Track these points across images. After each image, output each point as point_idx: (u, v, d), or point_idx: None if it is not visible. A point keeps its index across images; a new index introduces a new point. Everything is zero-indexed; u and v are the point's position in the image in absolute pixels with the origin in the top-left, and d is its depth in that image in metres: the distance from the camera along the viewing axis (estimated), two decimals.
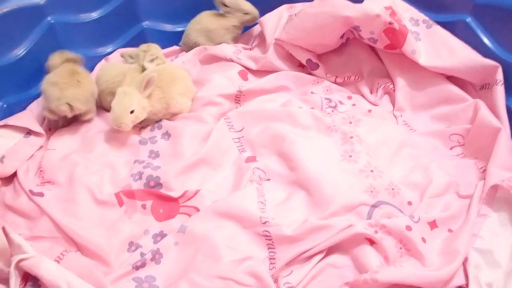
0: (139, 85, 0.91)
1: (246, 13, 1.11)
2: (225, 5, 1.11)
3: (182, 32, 1.17)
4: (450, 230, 0.79)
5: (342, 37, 1.05)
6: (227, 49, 1.09)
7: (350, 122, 0.94)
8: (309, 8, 1.03)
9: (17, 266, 0.69)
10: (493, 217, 0.79)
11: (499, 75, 0.93)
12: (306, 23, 1.01)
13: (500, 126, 0.87)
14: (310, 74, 1.07)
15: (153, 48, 1.02)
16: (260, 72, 1.08)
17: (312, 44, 1.04)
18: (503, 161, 0.84)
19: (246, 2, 1.11)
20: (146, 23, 1.17)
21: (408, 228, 0.76)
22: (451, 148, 0.93)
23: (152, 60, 1.00)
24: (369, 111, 1.00)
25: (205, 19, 1.13)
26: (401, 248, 0.75)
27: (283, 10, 1.13)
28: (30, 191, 0.83)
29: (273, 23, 1.11)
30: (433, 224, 0.78)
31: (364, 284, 0.69)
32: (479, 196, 0.80)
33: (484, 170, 0.86)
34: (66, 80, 0.92)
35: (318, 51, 1.06)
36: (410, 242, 0.75)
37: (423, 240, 0.76)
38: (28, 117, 0.97)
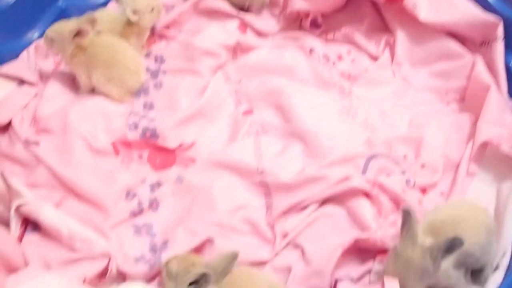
0: None
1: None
2: None
3: None
4: (442, 193, 0.80)
5: None
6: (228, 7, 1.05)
7: (349, 76, 0.94)
8: None
9: (17, 211, 0.70)
10: (480, 175, 0.80)
11: (500, 31, 0.92)
12: None
13: (489, 84, 0.87)
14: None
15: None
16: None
17: (319, 8, 1.01)
18: (493, 117, 0.84)
19: None
20: None
21: (404, 191, 0.77)
22: (447, 104, 0.93)
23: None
24: (366, 70, 0.99)
25: None
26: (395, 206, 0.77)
27: None
28: (26, 140, 0.83)
29: None
30: (426, 189, 0.79)
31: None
32: (469, 154, 0.81)
33: None
34: None
35: (326, 11, 1.04)
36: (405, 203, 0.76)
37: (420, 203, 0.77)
38: (21, 66, 0.95)
